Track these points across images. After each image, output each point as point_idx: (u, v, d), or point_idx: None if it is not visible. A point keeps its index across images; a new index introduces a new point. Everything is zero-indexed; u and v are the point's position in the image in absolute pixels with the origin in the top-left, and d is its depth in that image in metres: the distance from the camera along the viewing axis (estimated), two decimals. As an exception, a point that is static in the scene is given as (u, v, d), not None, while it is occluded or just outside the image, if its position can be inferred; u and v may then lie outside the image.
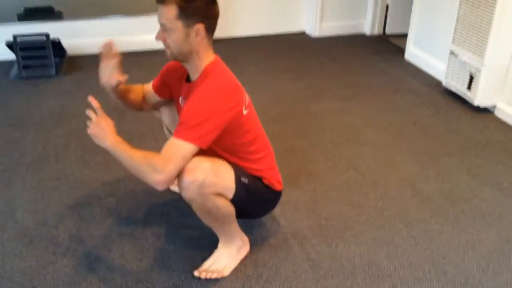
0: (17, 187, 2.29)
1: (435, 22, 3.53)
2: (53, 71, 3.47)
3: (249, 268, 1.83)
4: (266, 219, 2.08)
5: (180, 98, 1.84)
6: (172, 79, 1.88)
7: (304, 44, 4.29)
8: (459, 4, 3.01)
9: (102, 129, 1.58)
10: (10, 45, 3.47)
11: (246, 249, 1.88)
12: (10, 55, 3.59)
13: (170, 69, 1.89)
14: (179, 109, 1.87)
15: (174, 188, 2.25)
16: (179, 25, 1.60)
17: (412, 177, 2.40)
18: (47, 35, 3.43)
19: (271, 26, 4.41)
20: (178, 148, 1.54)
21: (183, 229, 2.03)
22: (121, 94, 1.90)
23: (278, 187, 1.86)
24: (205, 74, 1.68)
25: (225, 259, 1.82)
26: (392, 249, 1.93)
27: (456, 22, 3.06)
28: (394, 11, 4.39)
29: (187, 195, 1.59)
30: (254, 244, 1.93)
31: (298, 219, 2.09)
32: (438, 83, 3.44)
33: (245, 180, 1.71)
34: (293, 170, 2.43)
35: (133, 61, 3.68)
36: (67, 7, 3.94)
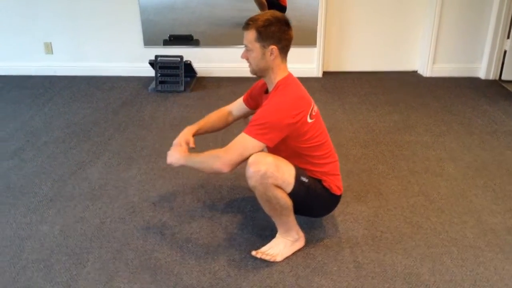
0: (133, 171, 2.84)
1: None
2: (182, 87, 4.10)
3: (300, 258, 2.10)
4: (326, 223, 2.33)
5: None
6: (258, 93, 2.27)
7: (413, 83, 4.43)
8: None
9: (174, 154, 2.11)
10: (151, 64, 4.19)
11: (301, 243, 2.16)
12: (151, 72, 4.32)
13: (258, 85, 2.29)
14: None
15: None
16: (257, 46, 2.00)
17: (479, 209, 2.46)
18: (181, 57, 4.10)
19: (383, 63, 4.64)
20: (241, 140, 1.92)
21: (252, 221, 2.36)
22: (203, 132, 2.36)
23: (336, 191, 2.12)
24: (277, 86, 2.04)
25: (280, 247, 2.11)
26: (437, 265, 2.05)
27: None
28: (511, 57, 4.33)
29: (251, 182, 1.93)
30: (309, 241, 2.19)
31: (356, 228, 2.31)
32: (542, 130, 3.37)
33: (305, 179, 2.01)
34: (364, 188, 2.65)
35: (250, 85, 4.18)
36: (204, 36, 4.61)
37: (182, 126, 3.49)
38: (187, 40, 4.60)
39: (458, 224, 2.34)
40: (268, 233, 2.23)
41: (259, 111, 1.97)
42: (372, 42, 4.55)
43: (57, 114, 3.71)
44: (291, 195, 1.98)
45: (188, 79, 4.27)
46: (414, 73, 4.67)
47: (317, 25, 4.36)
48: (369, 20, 4.48)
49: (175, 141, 2.21)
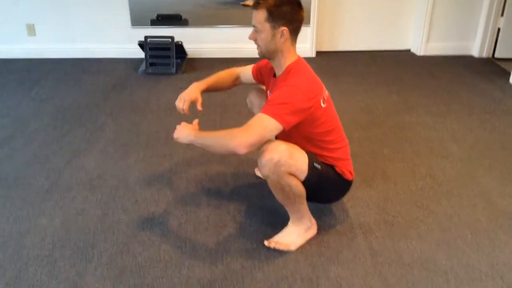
0: (131, 159, 2.73)
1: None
2: (173, 69, 3.97)
3: (314, 247, 2.05)
4: (336, 209, 2.28)
5: (268, 92, 2.13)
6: (265, 71, 2.19)
7: (407, 62, 4.38)
8: None
9: (184, 129, 1.96)
10: (141, 45, 4.04)
11: (313, 230, 2.10)
12: (141, 54, 4.17)
13: (264, 64, 2.19)
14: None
15: (258, 173, 2.55)
16: (267, 26, 1.90)
17: (488, 191, 2.43)
18: (172, 38, 3.95)
19: (376, 42, 4.57)
20: (261, 119, 1.79)
21: (260, 209, 2.29)
22: (210, 91, 2.26)
23: (349, 176, 2.06)
24: (288, 70, 1.95)
25: (293, 235, 2.05)
26: (453, 250, 2.02)
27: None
28: (505, 35, 4.31)
29: (264, 171, 1.85)
30: (321, 228, 2.14)
31: (367, 213, 2.26)
32: (540, 108, 3.36)
33: (318, 165, 1.94)
34: (370, 171, 2.60)
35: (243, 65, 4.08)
36: (192, 16, 4.46)
37: (176, 110, 3.39)
38: (175, 19, 4.44)
39: (469, 207, 2.31)
40: (278, 220, 2.16)
41: (275, 93, 1.87)
42: (365, 21, 4.47)
43: (45, 99, 3.55)
44: (305, 182, 1.91)
45: (179, 60, 4.13)
46: (407, 52, 4.62)
47: (310, 3, 4.26)
48: (363, 1, 4.40)
49: (180, 96, 2.15)
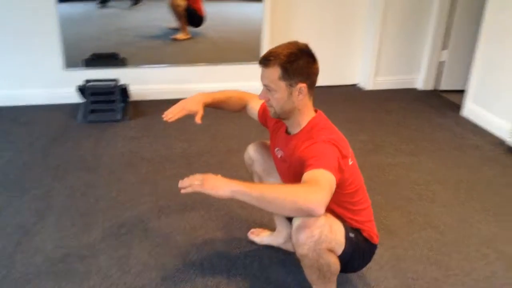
0: (96, 232, 2.30)
1: (498, 81, 3.54)
2: (119, 116, 3.56)
3: (342, 328, 1.79)
4: (351, 276, 2.04)
5: (276, 149, 1.86)
6: (272, 120, 1.91)
7: (357, 97, 4.33)
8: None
9: (217, 179, 1.52)
10: (80, 89, 3.58)
11: (337, 307, 1.84)
12: (75, 99, 3.70)
13: (269, 117, 1.91)
14: (275, 159, 1.89)
15: (254, 238, 2.25)
16: (282, 85, 1.65)
17: (492, 238, 2.34)
18: (116, 81, 3.55)
19: (325, 78, 4.43)
20: (323, 174, 1.47)
21: (267, 284, 1.99)
22: (214, 107, 2.00)
23: (376, 240, 1.84)
24: (310, 127, 1.71)
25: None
26: (487, 314, 1.87)
27: (525, 82, 3.06)
28: (449, 68, 4.42)
29: (303, 250, 1.57)
30: (343, 303, 1.89)
31: (385, 278, 2.05)
32: (501, 141, 3.42)
33: (352, 234, 1.70)
34: (370, 225, 2.40)
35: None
36: (130, 54, 4.07)
37: (136, 164, 3.00)
38: (112, 59, 4.04)
39: (482, 259, 2.19)
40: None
41: (311, 151, 1.58)
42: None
43: (-32, 160, 2.98)
44: (340, 256, 1.66)
45: (123, 105, 3.72)
46: (355, 87, 4.59)
47: (260, 40, 4.08)
48: (311, 36, 4.29)
49: (179, 104, 1.88)
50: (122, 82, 3.72)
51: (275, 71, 1.64)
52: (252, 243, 2.24)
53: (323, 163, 1.51)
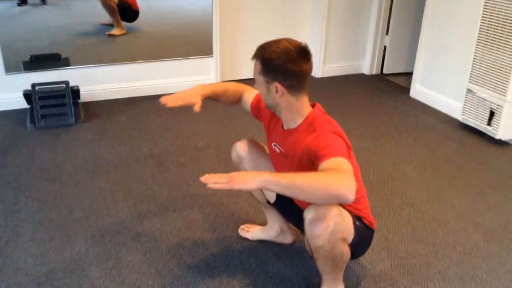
0: (78, 244, 2.17)
1: (443, 62, 3.74)
2: (72, 119, 3.36)
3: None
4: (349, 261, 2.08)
5: (273, 144, 1.85)
6: (265, 113, 1.90)
7: (310, 85, 4.38)
8: (476, 47, 3.21)
9: (244, 173, 1.50)
10: (27, 95, 3.33)
11: (345, 293, 1.87)
12: (21, 104, 3.45)
13: (263, 110, 1.90)
14: (272, 154, 1.87)
15: (245, 234, 2.23)
16: (261, 80, 1.69)
17: (467, 212, 2.48)
18: (67, 83, 3.34)
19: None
20: (342, 162, 1.47)
21: (268, 278, 1.98)
22: (213, 99, 1.98)
23: (374, 226, 1.88)
24: (309, 121, 1.71)
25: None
26: (479, 283, 1.98)
27: (473, 62, 3.25)
28: (391, 52, 4.60)
29: (319, 242, 1.57)
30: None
31: (379, 260, 2.11)
32: (452, 119, 3.62)
33: (357, 222, 1.73)
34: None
35: (150, 105, 3.65)
36: (73, 53, 3.86)
37: (103, 169, 2.86)
38: (53, 60, 3.80)
39: (462, 232, 2.31)
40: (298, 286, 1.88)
41: (319, 142, 1.57)
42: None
43: None
44: (350, 244, 1.68)
45: (74, 108, 3.51)
46: (304, 75, 4.64)
47: (211, 34, 4.01)
48: (260, 27, 4.29)
49: (177, 94, 1.85)
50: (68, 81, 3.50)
51: (257, 65, 1.69)
52: (244, 239, 2.22)
53: (337, 152, 1.52)
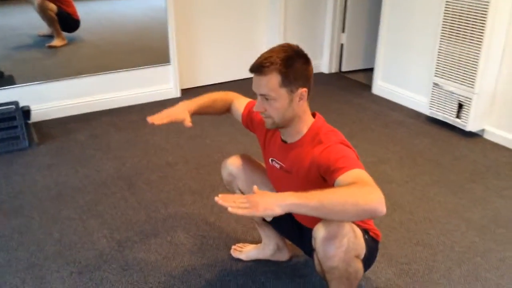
0: (55, 285, 1.94)
1: (403, 57, 3.75)
2: (26, 143, 3.07)
3: (367, 331, 1.73)
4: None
5: (271, 159, 1.73)
6: (259, 127, 1.78)
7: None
8: (440, 41, 3.22)
9: (264, 197, 1.34)
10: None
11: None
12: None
13: (259, 117, 1.76)
14: (270, 170, 1.75)
15: (239, 255, 2.09)
16: (283, 92, 1.53)
17: (454, 208, 2.46)
18: (16, 104, 3.05)
19: (234, 72, 4.35)
20: (363, 174, 1.39)
21: (273, 301, 1.86)
22: (201, 114, 1.84)
23: (380, 238, 1.79)
24: (313, 132, 1.62)
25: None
26: (485, 282, 1.95)
27: (438, 56, 3.26)
28: (348, 50, 4.58)
29: (333, 263, 1.46)
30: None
31: (381, 269, 2.03)
32: (418, 114, 3.63)
33: (366, 236, 1.63)
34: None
35: (109, 120, 3.41)
36: (17, 70, 3.55)
37: (68, 196, 2.64)
38: (-5, 78, 3.48)
39: (455, 231, 2.29)
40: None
41: (331, 154, 1.48)
42: (220, 53, 4.22)
43: None
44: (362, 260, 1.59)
45: (25, 130, 3.21)
46: (263, 77, 4.54)
47: (166, 39, 3.81)
48: (217, 29, 4.14)
49: (162, 113, 1.68)
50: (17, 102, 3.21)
51: (274, 78, 1.51)
52: (238, 260, 2.07)
53: (353, 163, 1.43)
